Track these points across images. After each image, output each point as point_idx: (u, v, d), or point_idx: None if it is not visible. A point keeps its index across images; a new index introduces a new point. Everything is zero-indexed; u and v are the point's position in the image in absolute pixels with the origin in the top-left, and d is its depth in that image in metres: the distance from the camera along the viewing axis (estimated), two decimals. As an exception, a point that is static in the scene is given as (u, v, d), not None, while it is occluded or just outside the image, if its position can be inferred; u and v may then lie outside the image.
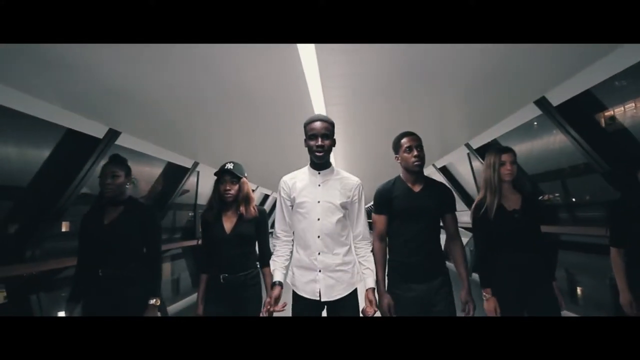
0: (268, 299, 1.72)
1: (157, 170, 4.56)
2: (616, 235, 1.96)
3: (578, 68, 2.38)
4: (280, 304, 1.72)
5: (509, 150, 2.05)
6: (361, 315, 1.78)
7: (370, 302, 1.78)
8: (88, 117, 2.73)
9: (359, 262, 1.94)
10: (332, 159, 5.72)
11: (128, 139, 3.26)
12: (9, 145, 2.60)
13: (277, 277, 1.86)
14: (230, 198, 2.11)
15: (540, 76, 2.53)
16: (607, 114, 2.72)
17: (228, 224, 2.12)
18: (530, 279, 1.93)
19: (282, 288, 1.82)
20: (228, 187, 2.10)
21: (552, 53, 2.12)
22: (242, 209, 2.13)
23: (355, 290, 1.89)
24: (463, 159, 5.40)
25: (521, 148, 3.92)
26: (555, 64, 2.33)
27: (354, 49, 2.02)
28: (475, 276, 5.50)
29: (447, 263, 1.98)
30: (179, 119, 3.15)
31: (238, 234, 2.10)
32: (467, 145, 4.62)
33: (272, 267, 1.93)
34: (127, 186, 2.11)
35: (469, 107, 3.31)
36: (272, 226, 11.00)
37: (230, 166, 2.13)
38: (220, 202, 2.14)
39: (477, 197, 2.11)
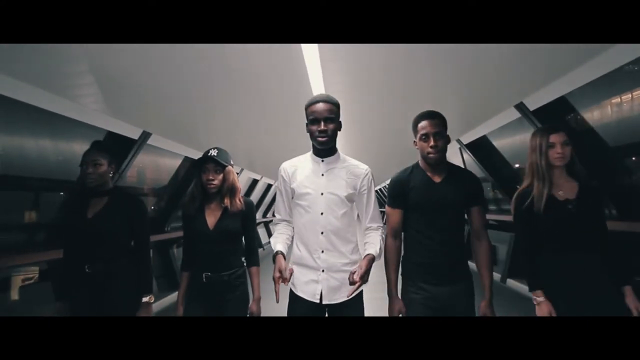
0: (277, 274, 1.51)
1: (176, 162, 5.17)
2: None
3: (553, 77, 2.67)
4: (288, 273, 1.52)
5: (558, 129, 1.73)
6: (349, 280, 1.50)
7: (360, 268, 1.52)
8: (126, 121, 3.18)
9: (367, 242, 1.72)
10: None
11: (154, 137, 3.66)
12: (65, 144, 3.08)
13: (279, 247, 1.66)
14: (213, 189, 1.92)
15: (519, 84, 2.84)
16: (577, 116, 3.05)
17: (211, 218, 1.93)
18: (587, 286, 1.60)
19: (285, 258, 1.62)
20: (211, 177, 1.90)
21: (531, 63, 2.37)
22: (226, 201, 1.93)
23: (361, 293, 1.70)
24: (455, 153, 5.69)
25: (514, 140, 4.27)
26: (533, 73, 2.60)
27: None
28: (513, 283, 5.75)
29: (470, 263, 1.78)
30: (188, 114, 3.37)
31: (222, 229, 1.91)
32: (458, 141, 4.94)
33: (272, 242, 1.75)
34: (110, 175, 1.93)
35: (461, 105, 3.59)
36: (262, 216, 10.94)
37: (214, 153, 1.91)
38: (202, 193, 1.95)
39: (521, 185, 1.82)
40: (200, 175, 1.93)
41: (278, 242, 1.70)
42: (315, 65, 2.28)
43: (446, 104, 3.48)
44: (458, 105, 3.57)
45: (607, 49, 2.16)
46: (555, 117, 3.04)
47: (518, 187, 1.82)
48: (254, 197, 8.70)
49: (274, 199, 10.22)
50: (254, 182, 8.51)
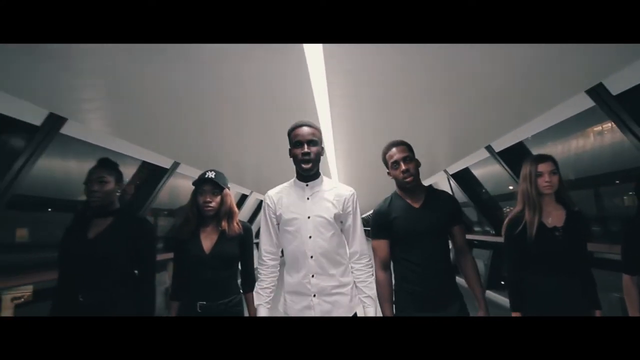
0: None
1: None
2: (630, 261, 1.70)
3: (514, 126, 3.33)
4: None
5: (547, 158, 1.77)
6: None
7: None
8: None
9: (358, 287, 1.74)
10: (334, 169, 5.73)
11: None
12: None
13: (262, 314, 1.70)
14: (210, 212, 1.85)
15: (489, 126, 3.47)
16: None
17: (207, 242, 1.84)
18: (569, 309, 1.65)
19: None
20: (209, 199, 1.84)
21: (498, 114, 2.98)
22: (224, 224, 1.86)
23: (355, 315, 1.73)
24: (443, 179, 6.36)
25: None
26: (501, 117, 3.18)
27: (361, 52, 1.89)
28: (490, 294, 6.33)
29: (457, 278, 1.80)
30: (183, 127, 3.20)
31: (219, 254, 1.82)
32: (445, 171, 5.63)
33: (255, 302, 1.74)
34: (117, 194, 1.84)
35: (447, 143, 4.21)
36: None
37: (211, 175, 1.86)
38: (198, 216, 1.88)
39: (512, 211, 1.85)
40: (197, 198, 1.87)
41: (261, 307, 1.72)
42: (320, 73, 2.16)
43: (436, 143, 4.13)
44: (445, 143, 4.23)
45: (561, 102, 2.69)
46: (515, 157, 3.76)
47: (509, 208, 2.00)
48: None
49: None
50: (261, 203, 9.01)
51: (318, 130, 1.71)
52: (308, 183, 1.75)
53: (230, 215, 1.91)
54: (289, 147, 1.73)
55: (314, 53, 1.82)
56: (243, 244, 1.92)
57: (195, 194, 1.88)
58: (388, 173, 1.83)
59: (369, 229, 1.90)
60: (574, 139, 3.35)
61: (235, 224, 1.90)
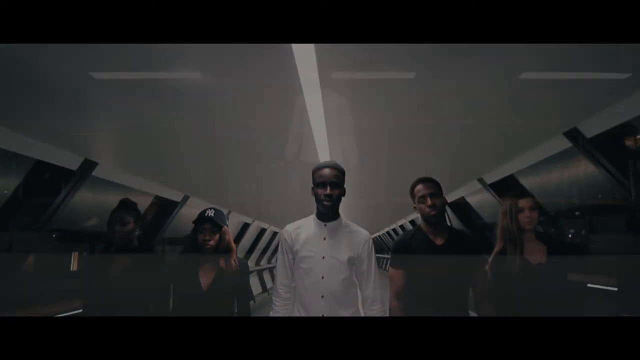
0: None
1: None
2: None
3: (505, 160, 3.61)
4: None
5: (526, 195, 1.84)
6: None
7: None
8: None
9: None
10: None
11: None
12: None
13: None
14: (209, 249, 1.88)
15: (486, 157, 3.69)
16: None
17: (205, 279, 1.88)
18: None
19: None
20: (207, 237, 1.87)
21: (488, 149, 3.27)
22: (221, 262, 1.90)
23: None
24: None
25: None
26: (491, 153, 3.47)
27: (357, 89, 2.02)
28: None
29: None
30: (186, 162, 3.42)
31: (216, 291, 1.86)
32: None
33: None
34: (136, 233, 1.97)
35: (444, 174, 4.41)
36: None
37: (211, 213, 1.91)
38: (197, 253, 1.92)
39: (495, 248, 1.87)
40: (196, 235, 1.90)
41: None
42: (318, 109, 2.28)
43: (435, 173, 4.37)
44: (438, 176, 4.46)
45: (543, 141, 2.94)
46: (504, 189, 4.02)
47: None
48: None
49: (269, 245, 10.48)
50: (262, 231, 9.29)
51: (341, 172, 1.74)
52: (326, 223, 1.76)
53: (228, 251, 1.94)
54: (311, 185, 1.76)
55: (312, 92, 1.98)
56: (239, 280, 1.96)
57: (195, 232, 1.91)
58: (414, 207, 1.88)
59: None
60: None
61: (232, 261, 1.92)
